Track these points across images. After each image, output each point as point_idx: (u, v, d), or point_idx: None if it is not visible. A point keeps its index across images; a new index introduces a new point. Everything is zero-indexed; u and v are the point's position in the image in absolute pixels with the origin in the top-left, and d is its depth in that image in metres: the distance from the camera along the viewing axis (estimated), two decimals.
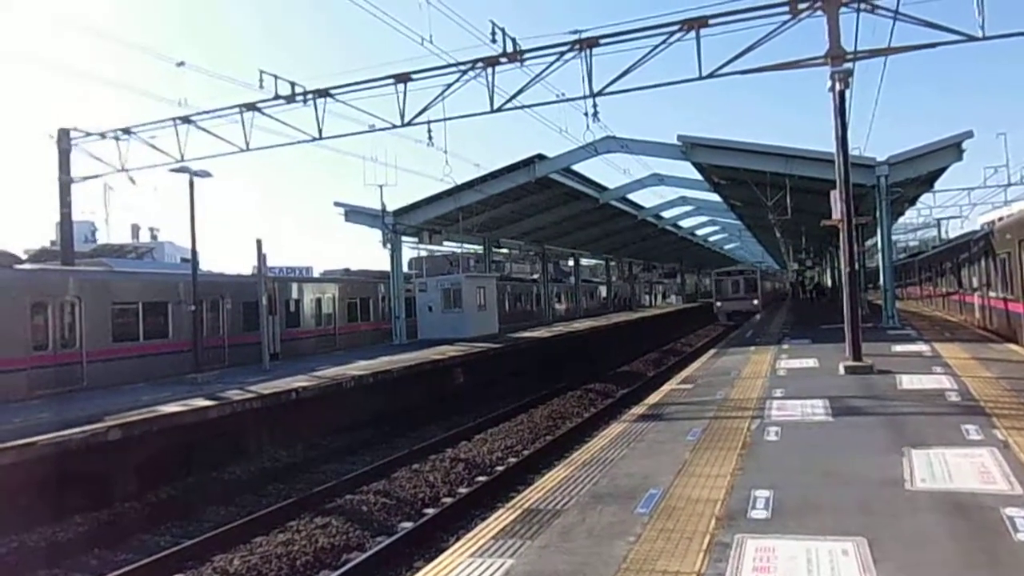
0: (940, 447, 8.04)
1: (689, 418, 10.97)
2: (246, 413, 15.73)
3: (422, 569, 5.49)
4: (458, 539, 6.08)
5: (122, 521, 11.95)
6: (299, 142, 21.50)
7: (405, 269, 37.00)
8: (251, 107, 21.26)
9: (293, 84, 20.84)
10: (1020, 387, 11.73)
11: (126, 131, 23.41)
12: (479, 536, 6.15)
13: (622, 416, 11.32)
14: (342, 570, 9.31)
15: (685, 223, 56.90)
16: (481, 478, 13.74)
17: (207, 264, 33.79)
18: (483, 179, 31.05)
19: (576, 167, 32.44)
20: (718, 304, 49.59)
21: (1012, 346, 17.87)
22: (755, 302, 46.90)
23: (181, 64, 20.42)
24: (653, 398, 13.34)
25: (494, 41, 18.52)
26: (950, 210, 55.82)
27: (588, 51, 18.04)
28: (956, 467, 7.32)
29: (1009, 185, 41.98)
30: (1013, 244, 19.02)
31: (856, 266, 16.08)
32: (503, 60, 18.77)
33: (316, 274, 46.01)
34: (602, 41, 18.01)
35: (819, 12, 15.91)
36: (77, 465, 12.10)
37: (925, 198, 39.81)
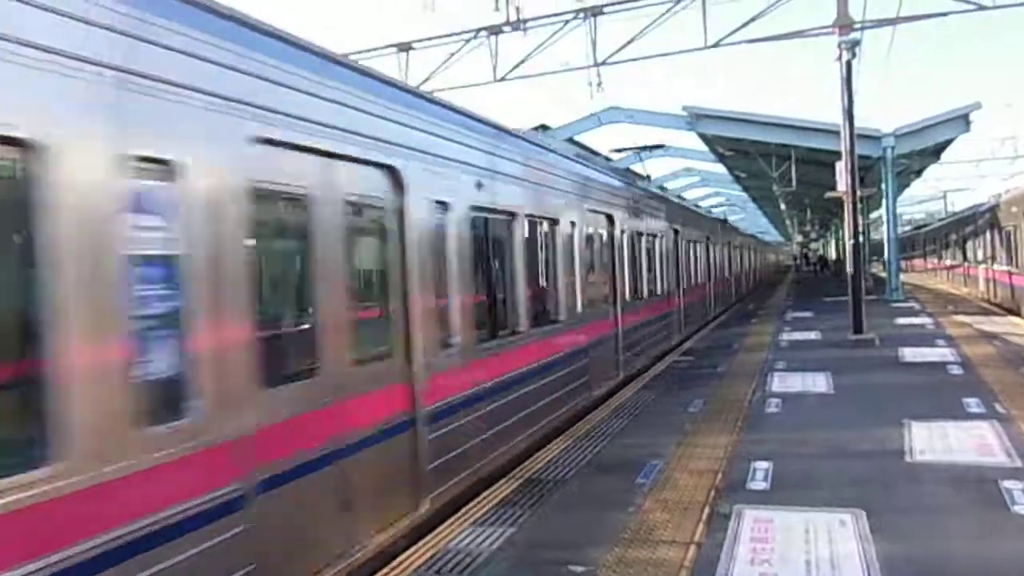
0: (941, 420, 8.06)
1: (690, 389, 11.00)
2: None
3: (424, 538, 5.54)
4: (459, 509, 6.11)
5: None
6: None
7: None
8: None
9: None
10: (1022, 361, 11.73)
11: None
12: (480, 505, 6.20)
13: (624, 388, 11.36)
14: None
15: (689, 195, 56.58)
16: None
17: None
18: None
19: (581, 139, 32.21)
20: None
21: (1015, 319, 17.86)
22: None
23: None
24: (654, 370, 13.37)
25: (497, 9, 18.34)
26: (957, 182, 55.52)
27: (593, 19, 17.86)
28: (956, 440, 7.35)
29: (1017, 157, 41.72)
30: (1019, 217, 18.94)
31: (860, 239, 16.02)
32: (506, 28, 18.59)
33: None
34: (607, 9, 17.82)
35: None
36: None
37: (932, 170, 39.58)
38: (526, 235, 8.19)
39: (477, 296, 7.15)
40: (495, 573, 4.85)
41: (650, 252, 14.34)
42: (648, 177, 22.43)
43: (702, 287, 21.51)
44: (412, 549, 5.29)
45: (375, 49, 20.27)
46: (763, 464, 6.82)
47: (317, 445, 4.65)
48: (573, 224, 9.77)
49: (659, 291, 15.03)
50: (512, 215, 7.98)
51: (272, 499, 4.17)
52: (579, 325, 9.80)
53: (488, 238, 7.62)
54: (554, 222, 9.20)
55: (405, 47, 19.90)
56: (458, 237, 6.60)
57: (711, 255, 23.47)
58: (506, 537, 5.43)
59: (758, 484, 6.34)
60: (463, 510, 6.07)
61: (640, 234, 13.50)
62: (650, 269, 14.31)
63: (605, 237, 11.48)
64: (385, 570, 4.94)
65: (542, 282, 9.00)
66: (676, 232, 17.07)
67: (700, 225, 22.48)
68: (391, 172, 5.61)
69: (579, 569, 4.80)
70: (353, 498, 4.96)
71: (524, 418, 7.79)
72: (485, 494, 6.47)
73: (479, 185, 7.11)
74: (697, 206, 38.92)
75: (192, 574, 3.59)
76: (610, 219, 11.62)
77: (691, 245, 19.38)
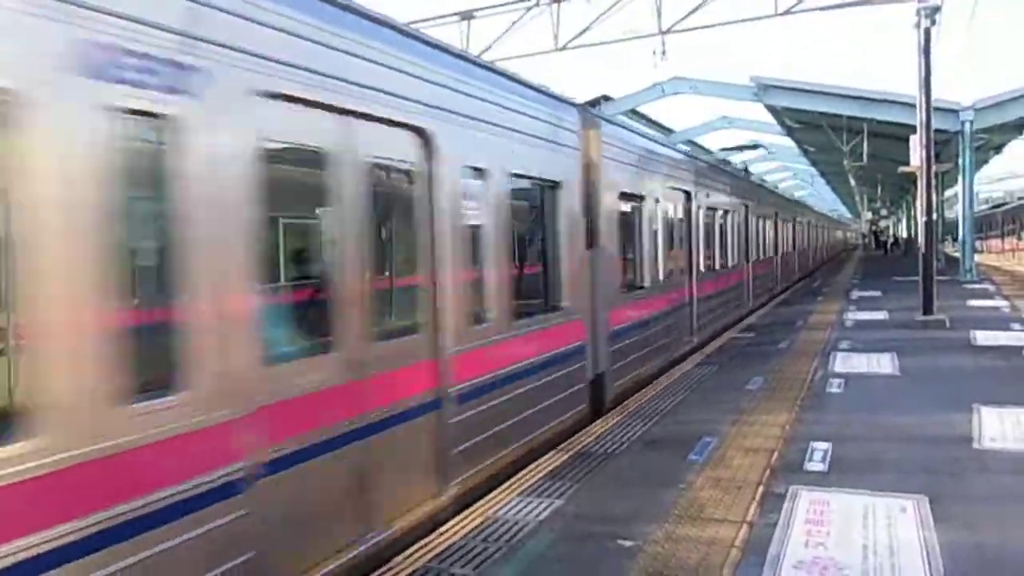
0: (1013, 406, 7.70)
1: (749, 367, 10.78)
2: None
3: (472, 505, 5.55)
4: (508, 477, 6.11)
5: None
6: None
7: None
8: None
9: None
10: None
11: None
12: (530, 475, 6.18)
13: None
14: None
15: (755, 168, 55.28)
16: None
17: None
18: None
19: (643, 109, 31.67)
20: None
21: None
22: None
23: None
24: (713, 345, 13.16)
25: None
26: None
27: None
28: None
29: None
30: None
31: (933, 216, 15.39)
32: None
33: None
34: None
35: None
36: None
37: (1013, 146, 37.64)
38: (720, 218, 15.22)
39: (707, 250, 13.89)
40: (541, 543, 4.82)
41: (758, 228, 20.51)
42: (746, 170, 26.06)
43: (787, 256, 27.76)
44: (460, 516, 5.30)
45: (438, 17, 20.17)
46: (822, 445, 6.63)
47: (668, 307, 11.32)
48: (733, 211, 16.44)
49: (766, 256, 22.04)
50: (714, 208, 14.49)
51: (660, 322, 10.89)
52: (737, 269, 16.89)
53: (713, 221, 14.55)
54: (727, 212, 15.77)
55: (467, 15, 19.74)
56: (704, 220, 13.50)
57: (791, 231, 29.61)
58: (554, 508, 5.40)
59: (816, 465, 6.16)
60: (511, 480, 6.06)
61: (756, 216, 19.93)
62: (758, 241, 20.43)
63: (742, 219, 17.84)
64: (436, 533, 4.96)
65: (726, 243, 15.78)
66: (776, 214, 24.24)
67: (785, 207, 28.99)
68: (687, 194, 12.35)
69: (626, 543, 4.74)
70: (677, 334, 11.65)
71: (723, 311, 15.21)
72: (534, 465, 6.45)
73: (707, 195, 13.85)
74: (763, 180, 38.23)
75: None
76: (746, 208, 18.21)
77: (782, 224, 25.96)
